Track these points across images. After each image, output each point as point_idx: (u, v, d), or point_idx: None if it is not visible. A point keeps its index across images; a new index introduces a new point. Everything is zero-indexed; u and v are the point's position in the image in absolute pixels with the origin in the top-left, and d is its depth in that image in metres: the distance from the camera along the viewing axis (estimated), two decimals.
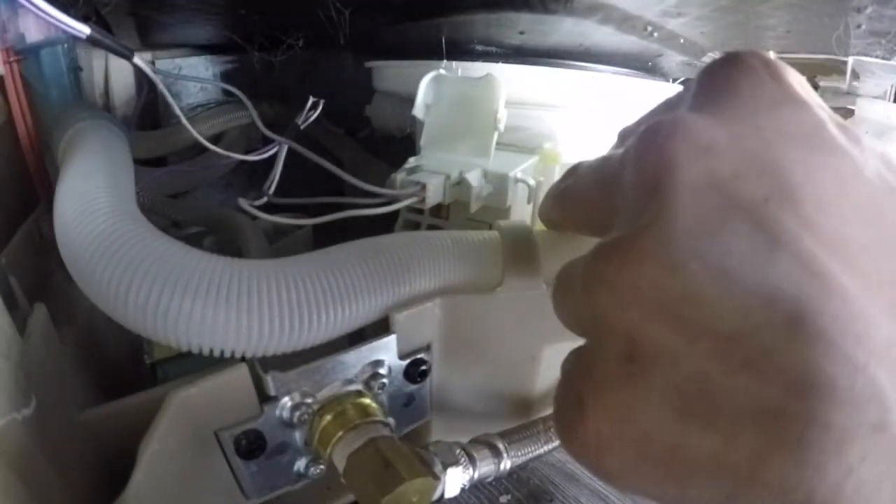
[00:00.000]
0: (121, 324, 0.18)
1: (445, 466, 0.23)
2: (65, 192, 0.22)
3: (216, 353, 0.19)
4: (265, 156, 0.37)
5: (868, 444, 0.10)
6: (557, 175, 0.37)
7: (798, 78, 0.13)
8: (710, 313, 0.11)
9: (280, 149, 0.36)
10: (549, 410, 0.31)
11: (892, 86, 0.48)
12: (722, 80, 0.13)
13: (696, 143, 0.12)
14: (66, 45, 0.32)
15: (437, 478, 0.21)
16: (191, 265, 0.18)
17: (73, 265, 0.19)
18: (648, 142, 0.12)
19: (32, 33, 0.30)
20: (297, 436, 0.22)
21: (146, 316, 0.18)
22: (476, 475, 0.24)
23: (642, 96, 0.42)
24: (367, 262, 0.21)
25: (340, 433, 0.21)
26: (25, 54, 0.29)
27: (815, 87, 0.51)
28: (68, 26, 0.27)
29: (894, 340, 0.10)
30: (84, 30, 0.28)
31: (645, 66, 0.48)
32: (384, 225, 0.27)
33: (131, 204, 0.22)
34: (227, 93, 0.55)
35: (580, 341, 0.15)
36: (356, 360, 0.22)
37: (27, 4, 0.25)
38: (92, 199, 0.21)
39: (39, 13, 0.25)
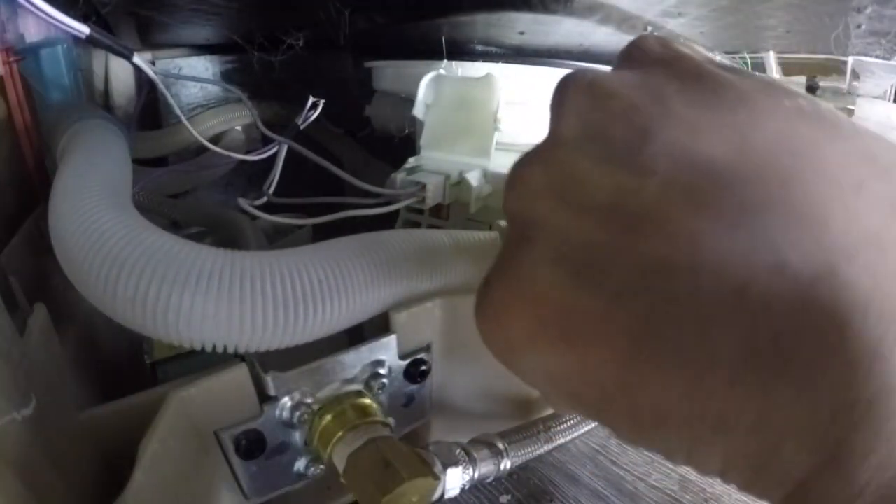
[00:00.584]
0: (111, 317, 0.18)
1: (445, 466, 0.23)
2: (58, 190, 0.22)
3: (208, 348, 0.18)
4: (265, 156, 0.36)
5: (768, 289, 0.10)
6: None
7: (690, 47, 0.14)
8: (591, 190, 0.12)
9: (280, 149, 0.36)
10: (549, 411, 0.31)
11: (892, 86, 0.48)
12: (622, 53, 0.15)
13: (583, 78, 0.14)
14: (66, 46, 0.32)
15: (437, 478, 0.21)
16: (180, 256, 0.18)
17: (65, 260, 0.19)
18: (553, 90, 0.14)
19: (32, 33, 0.30)
20: (297, 436, 0.22)
21: (135, 308, 0.17)
22: (476, 475, 0.24)
23: None
24: (365, 256, 0.21)
25: (340, 433, 0.21)
26: (25, 54, 0.29)
27: (815, 87, 0.51)
28: (68, 26, 0.27)
29: (776, 201, 0.10)
30: (84, 30, 0.28)
31: None
32: (384, 225, 0.27)
33: (125, 199, 0.22)
34: (226, 93, 0.55)
35: None
36: (356, 360, 0.22)
37: (27, 5, 0.25)
38: (84, 195, 0.20)
39: (39, 13, 0.25)
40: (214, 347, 0.18)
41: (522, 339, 0.13)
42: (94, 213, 0.19)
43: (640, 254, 0.11)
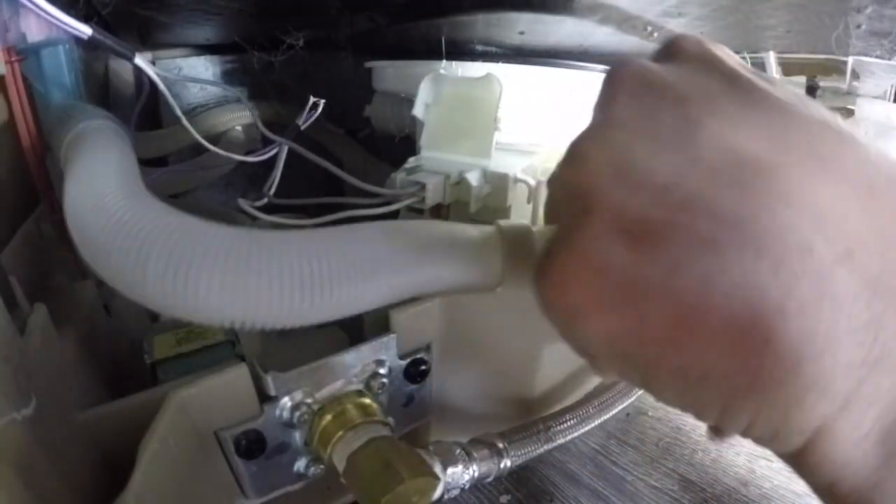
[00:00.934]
0: (139, 302, 0.18)
1: (445, 466, 0.23)
2: (75, 184, 0.22)
3: (236, 325, 0.18)
4: (265, 157, 0.36)
5: (799, 263, 0.12)
6: None
7: (724, 50, 0.16)
8: (646, 170, 0.13)
9: (280, 150, 0.36)
10: (548, 410, 0.31)
11: (892, 86, 0.48)
12: (662, 49, 0.17)
13: (636, 67, 0.15)
14: (67, 46, 0.32)
15: (437, 478, 0.21)
16: (208, 236, 0.18)
17: (88, 249, 0.19)
18: (605, 76, 0.16)
19: (34, 33, 0.30)
20: (297, 436, 0.22)
21: (165, 289, 0.17)
22: (476, 475, 0.24)
23: None
24: (391, 239, 0.21)
25: (340, 433, 0.21)
26: (27, 54, 0.29)
27: (815, 87, 0.51)
28: (70, 27, 0.27)
29: (806, 193, 0.12)
30: (86, 30, 0.28)
31: None
32: None
33: (143, 188, 0.22)
34: (227, 93, 0.55)
35: None
36: (356, 359, 0.22)
37: (29, 5, 0.25)
38: (104, 185, 0.21)
39: (42, 13, 0.25)
40: (244, 324, 0.18)
41: (585, 304, 0.14)
42: (117, 202, 0.19)
43: (693, 231, 0.12)
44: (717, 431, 0.18)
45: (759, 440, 0.13)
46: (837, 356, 0.12)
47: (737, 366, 0.12)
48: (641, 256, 0.13)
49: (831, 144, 0.13)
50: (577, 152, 0.15)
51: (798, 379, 0.12)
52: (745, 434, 0.13)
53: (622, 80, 0.15)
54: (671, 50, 0.16)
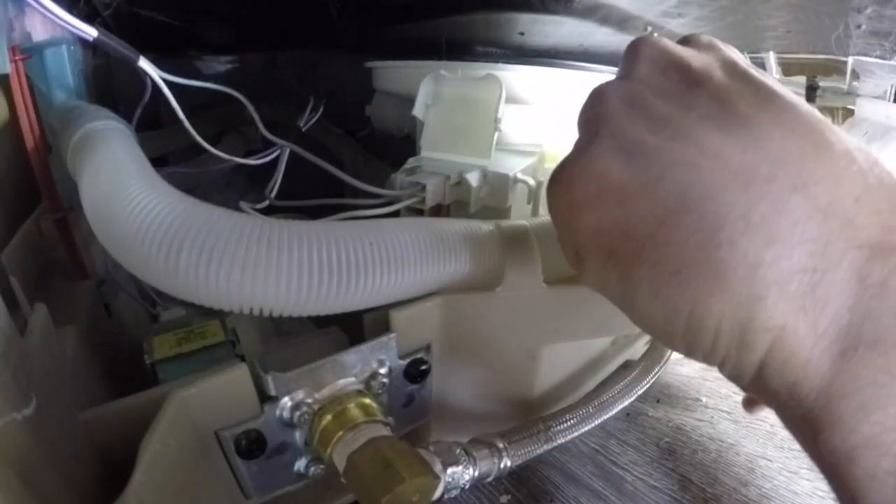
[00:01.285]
0: (168, 291, 0.19)
1: (445, 466, 0.23)
2: (96, 179, 0.22)
3: (266, 313, 0.19)
4: (266, 160, 0.37)
5: (763, 187, 0.14)
6: None
7: (729, 47, 0.19)
8: (649, 108, 0.17)
9: (282, 152, 0.36)
10: (548, 410, 0.31)
11: (892, 86, 0.48)
12: (682, 38, 0.20)
13: (653, 40, 0.19)
14: (71, 46, 0.32)
15: (437, 477, 0.21)
16: (239, 225, 0.19)
17: (115, 240, 0.19)
18: (628, 47, 0.19)
19: (39, 32, 0.30)
20: (298, 436, 0.22)
21: (199, 277, 0.18)
22: (476, 474, 0.24)
23: None
24: (415, 233, 0.22)
25: (340, 433, 0.21)
26: (30, 53, 0.29)
27: (815, 87, 0.51)
28: (76, 28, 0.27)
29: (774, 140, 0.15)
30: (91, 32, 0.28)
31: None
32: None
33: (164, 182, 0.22)
34: (227, 94, 0.55)
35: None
36: (356, 360, 0.22)
37: (37, 6, 0.25)
38: (127, 179, 0.21)
39: (48, 14, 0.25)
40: (271, 312, 0.19)
41: (585, 200, 0.17)
42: (146, 193, 0.20)
43: (678, 154, 0.15)
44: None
45: (729, 356, 0.15)
46: (792, 260, 0.14)
47: (705, 261, 0.14)
48: (635, 168, 0.16)
49: (799, 109, 0.16)
50: (598, 92, 0.19)
51: (759, 276, 0.14)
52: (715, 345, 0.15)
53: (642, 49, 0.18)
54: (688, 39, 0.19)
